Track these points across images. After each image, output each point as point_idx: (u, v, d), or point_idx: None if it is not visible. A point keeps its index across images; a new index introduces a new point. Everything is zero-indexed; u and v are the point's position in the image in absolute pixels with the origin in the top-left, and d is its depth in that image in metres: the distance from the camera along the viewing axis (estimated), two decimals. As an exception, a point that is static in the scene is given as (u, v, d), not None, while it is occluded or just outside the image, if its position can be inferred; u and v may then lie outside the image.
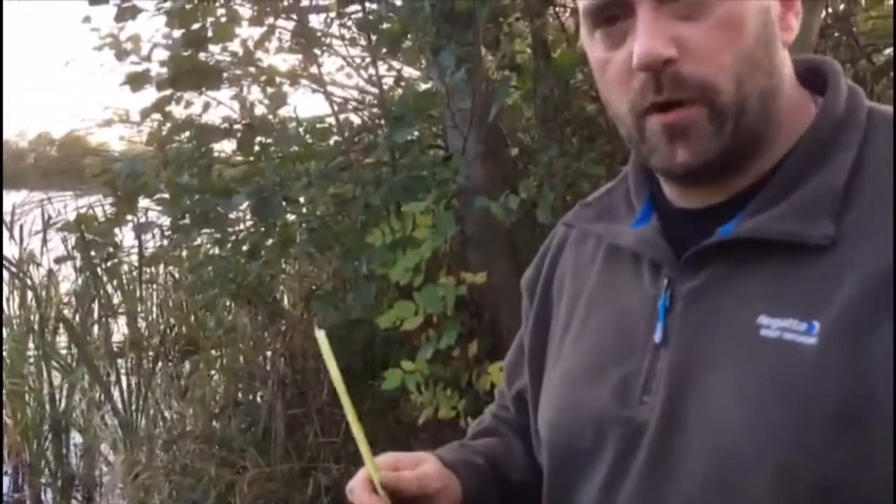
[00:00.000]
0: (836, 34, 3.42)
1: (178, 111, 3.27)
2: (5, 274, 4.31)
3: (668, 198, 0.71)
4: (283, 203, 3.06)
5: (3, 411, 3.80)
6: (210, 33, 3.02)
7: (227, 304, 3.81)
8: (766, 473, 0.58)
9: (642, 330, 0.68)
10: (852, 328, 0.57)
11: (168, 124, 3.26)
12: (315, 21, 3.47)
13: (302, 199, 3.42)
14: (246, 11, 3.17)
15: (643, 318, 0.68)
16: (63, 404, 3.61)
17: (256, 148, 3.21)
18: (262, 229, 3.22)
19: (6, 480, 3.64)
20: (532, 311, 0.84)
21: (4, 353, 3.95)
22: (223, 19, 3.08)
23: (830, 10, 3.30)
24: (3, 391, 3.75)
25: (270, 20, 3.26)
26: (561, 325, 0.79)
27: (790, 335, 0.59)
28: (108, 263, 3.65)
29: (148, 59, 3.15)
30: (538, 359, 0.82)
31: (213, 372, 3.86)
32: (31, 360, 3.86)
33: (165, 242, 3.98)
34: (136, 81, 3.10)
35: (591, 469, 0.70)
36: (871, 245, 0.58)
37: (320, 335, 0.73)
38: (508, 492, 0.84)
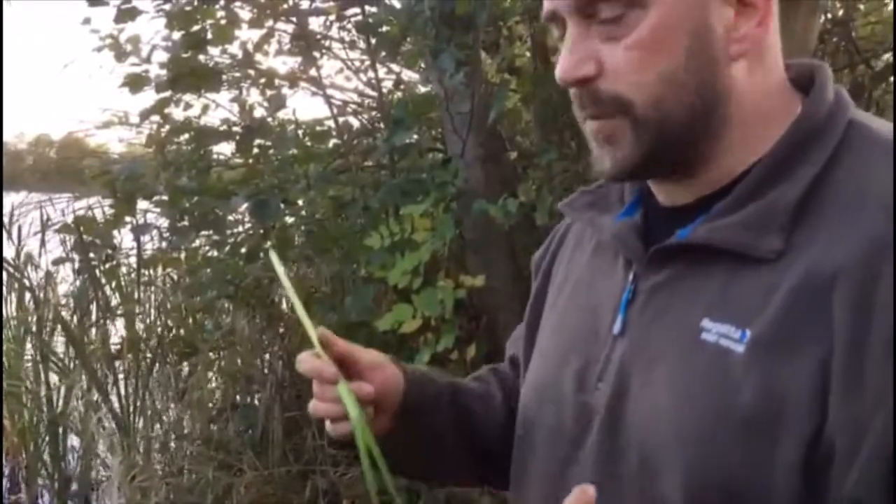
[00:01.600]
0: (835, 39, 3.42)
1: (177, 113, 3.28)
2: (3, 275, 4.31)
3: (653, 193, 0.73)
4: (282, 205, 3.06)
5: (2, 412, 3.80)
6: (210, 35, 3.03)
7: (226, 306, 3.80)
8: (677, 470, 0.60)
9: (607, 320, 0.71)
10: (775, 340, 0.58)
11: (167, 126, 3.27)
12: (314, 24, 3.48)
13: (301, 202, 3.42)
14: (245, 14, 3.17)
15: (609, 309, 0.71)
16: (60, 406, 3.61)
17: (255, 150, 3.21)
18: (261, 231, 3.22)
19: (4, 482, 3.63)
20: (535, 286, 0.88)
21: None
22: (223, 21, 3.08)
23: (829, 14, 3.31)
24: (2, 393, 3.75)
25: (270, 23, 3.26)
26: (549, 303, 0.84)
27: (725, 341, 0.60)
28: (107, 265, 3.65)
29: (147, 60, 3.15)
30: (532, 333, 0.86)
31: (211, 374, 3.86)
32: (29, 361, 3.86)
33: (164, 244, 3.98)
34: (136, 83, 3.10)
35: (551, 444, 0.73)
36: (808, 261, 0.58)
37: (273, 256, 0.82)
38: (466, 423, 0.88)
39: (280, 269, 0.82)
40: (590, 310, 0.74)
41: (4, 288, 4.25)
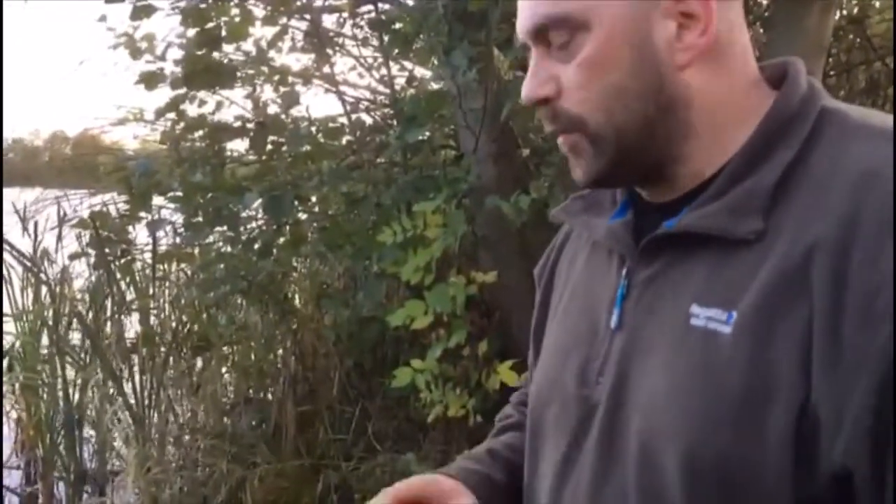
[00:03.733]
0: (850, 36, 3.41)
1: (191, 110, 3.30)
2: (20, 269, 4.35)
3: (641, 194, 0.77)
4: (295, 202, 3.08)
5: (17, 405, 3.85)
6: (224, 33, 3.04)
7: (239, 301, 3.83)
8: (675, 455, 0.62)
9: (605, 316, 0.73)
10: (759, 317, 0.60)
11: (182, 123, 3.29)
12: (328, 21, 3.49)
13: (314, 198, 3.44)
14: (259, 11, 3.19)
15: (607, 305, 0.74)
16: (76, 399, 3.64)
17: (269, 147, 3.23)
18: (274, 228, 3.24)
19: (19, 474, 3.67)
20: (539, 297, 0.91)
21: (18, 347, 3.99)
22: (237, 19, 3.10)
23: (844, 12, 3.30)
24: (17, 385, 3.79)
25: (284, 20, 3.28)
26: (552, 310, 0.87)
27: (713, 324, 0.62)
28: (122, 260, 3.68)
29: (162, 58, 3.18)
30: (538, 341, 0.88)
31: (224, 369, 3.89)
32: (45, 354, 3.90)
33: (178, 240, 4.01)
34: (151, 80, 3.13)
35: (555, 441, 0.76)
36: (787, 239, 0.61)
37: None
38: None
39: None
40: (588, 309, 0.77)
41: (20, 281, 4.30)
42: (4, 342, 4.05)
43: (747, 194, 0.65)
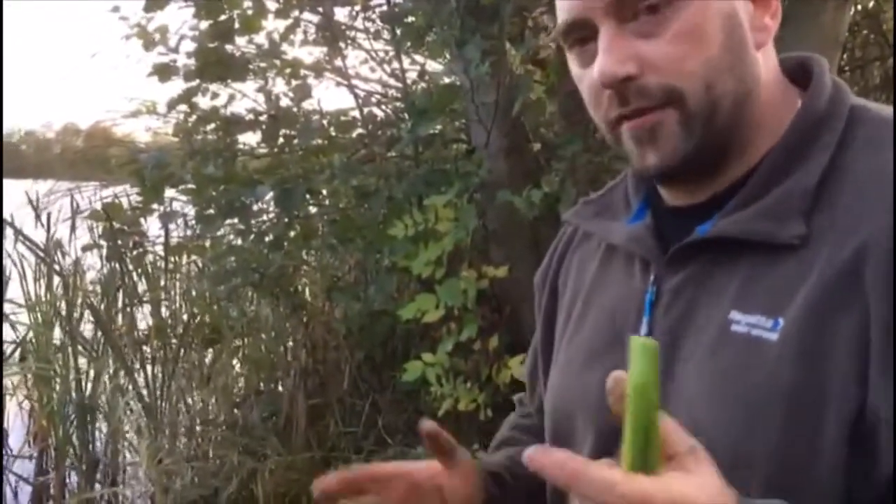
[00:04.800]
0: (865, 32, 3.39)
1: (203, 102, 3.31)
2: (32, 259, 4.38)
3: (661, 196, 0.74)
4: (306, 195, 3.09)
5: (30, 396, 3.87)
6: (237, 25, 3.05)
7: (250, 294, 3.85)
8: (722, 464, 0.59)
9: (631, 323, 0.71)
10: (809, 325, 0.59)
11: (194, 115, 3.30)
12: (340, 14, 3.49)
13: (325, 191, 3.45)
14: (272, 4, 3.19)
15: (632, 313, 0.71)
16: (89, 390, 3.67)
17: (280, 140, 3.24)
18: (285, 220, 3.25)
19: (31, 464, 3.70)
20: (541, 307, 0.87)
21: (31, 338, 4.02)
22: (250, 11, 3.10)
23: (860, 6, 3.27)
24: (30, 375, 3.82)
25: (296, 13, 3.28)
26: (562, 320, 0.83)
27: (757, 331, 0.61)
28: (135, 252, 3.70)
29: (175, 50, 3.19)
30: (546, 352, 0.85)
31: (235, 361, 3.91)
32: (58, 345, 3.92)
33: (189, 233, 4.03)
34: (164, 72, 3.14)
35: (582, 453, 0.72)
36: (834, 243, 0.59)
37: None
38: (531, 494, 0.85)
39: None
40: (608, 316, 0.74)
41: (32, 272, 4.33)
42: (18, 333, 4.08)
43: (786, 197, 0.63)
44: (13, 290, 4.15)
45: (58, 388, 3.70)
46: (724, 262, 0.65)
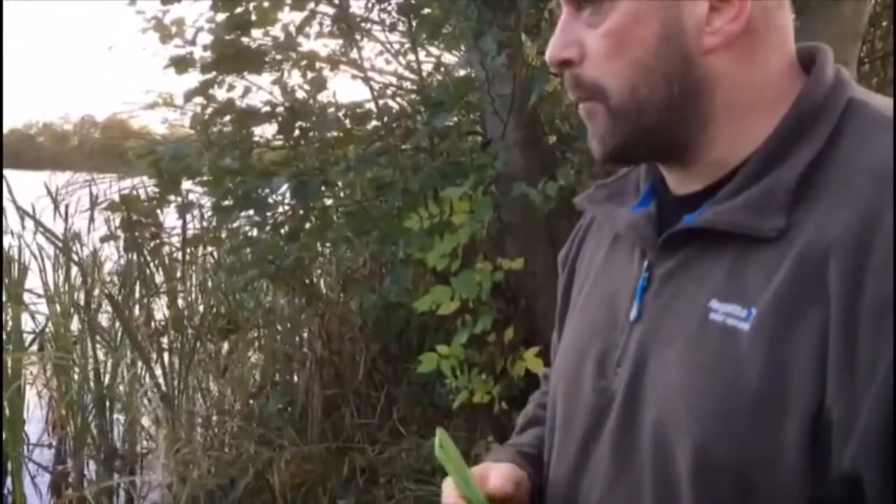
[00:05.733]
0: (885, 23, 3.35)
1: (219, 95, 3.32)
2: (51, 250, 4.42)
3: (666, 183, 0.75)
4: (322, 187, 3.10)
5: (49, 385, 3.92)
6: (253, 17, 3.06)
7: (266, 286, 3.87)
8: (687, 448, 0.62)
9: (625, 308, 0.73)
10: (778, 316, 0.59)
11: (211, 108, 3.31)
12: (355, 6, 3.49)
13: (340, 184, 3.45)
14: (288, -4, 3.19)
15: (627, 297, 0.73)
16: (107, 380, 3.71)
17: (297, 132, 3.24)
18: (301, 212, 3.26)
19: (50, 453, 3.75)
20: (562, 285, 0.90)
21: (50, 328, 4.06)
22: (266, 3, 3.11)
23: (880, -3, 3.23)
24: (49, 365, 3.86)
25: (311, 5, 3.28)
26: (573, 300, 0.86)
27: (732, 320, 0.62)
28: (152, 244, 3.73)
29: (192, 42, 3.20)
30: (561, 327, 0.88)
31: (251, 352, 3.93)
32: (76, 335, 3.96)
33: (206, 224, 4.05)
34: (181, 64, 3.15)
35: (574, 430, 0.75)
36: (809, 236, 0.60)
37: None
38: None
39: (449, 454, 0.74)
40: (608, 300, 0.76)
41: (51, 262, 4.38)
42: (37, 323, 4.13)
43: (768, 191, 0.63)
44: (32, 281, 4.20)
45: (76, 377, 3.74)
46: (709, 252, 0.66)
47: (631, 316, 0.71)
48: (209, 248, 4.31)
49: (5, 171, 4.27)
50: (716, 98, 0.67)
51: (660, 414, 0.65)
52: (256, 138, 3.40)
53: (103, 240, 4.07)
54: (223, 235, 3.81)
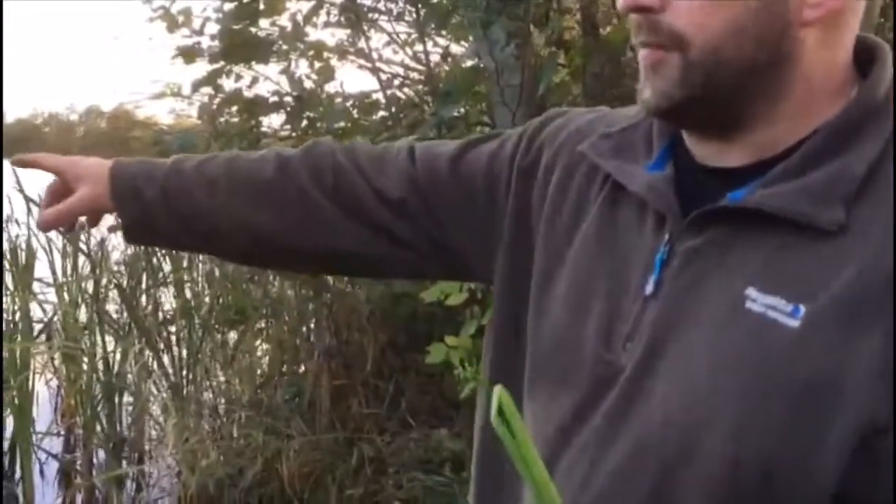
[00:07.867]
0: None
1: (227, 84, 3.32)
2: (59, 239, 4.43)
3: (687, 148, 0.70)
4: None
5: (58, 375, 3.94)
6: (261, 7, 3.05)
7: (273, 276, 3.87)
8: (718, 437, 0.59)
9: (636, 278, 0.68)
10: (839, 320, 0.56)
11: (218, 97, 3.31)
12: (363, -5, 3.47)
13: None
14: (296, -15, 3.18)
15: (638, 267, 0.68)
16: (116, 369, 3.72)
17: (304, 122, 3.24)
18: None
19: (60, 441, 3.77)
20: (512, 194, 0.81)
21: (59, 317, 4.07)
22: (274, -7, 3.10)
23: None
24: (58, 354, 3.87)
25: (319, -6, 3.27)
26: (553, 249, 0.77)
27: (773, 313, 0.59)
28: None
29: (200, 32, 3.19)
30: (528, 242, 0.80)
31: (259, 342, 3.94)
32: (84, 324, 3.98)
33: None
34: (189, 54, 3.15)
35: (566, 395, 0.70)
36: (877, 242, 0.57)
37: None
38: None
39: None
40: (613, 263, 0.71)
41: (61, 253, 4.39)
42: (45, 311, 4.14)
43: (833, 179, 0.60)
44: (41, 270, 4.20)
45: (85, 366, 3.75)
46: (750, 234, 0.62)
47: (646, 290, 0.66)
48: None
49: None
50: (796, 74, 0.63)
51: (678, 404, 0.61)
52: (264, 128, 3.40)
53: (111, 229, 4.07)
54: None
